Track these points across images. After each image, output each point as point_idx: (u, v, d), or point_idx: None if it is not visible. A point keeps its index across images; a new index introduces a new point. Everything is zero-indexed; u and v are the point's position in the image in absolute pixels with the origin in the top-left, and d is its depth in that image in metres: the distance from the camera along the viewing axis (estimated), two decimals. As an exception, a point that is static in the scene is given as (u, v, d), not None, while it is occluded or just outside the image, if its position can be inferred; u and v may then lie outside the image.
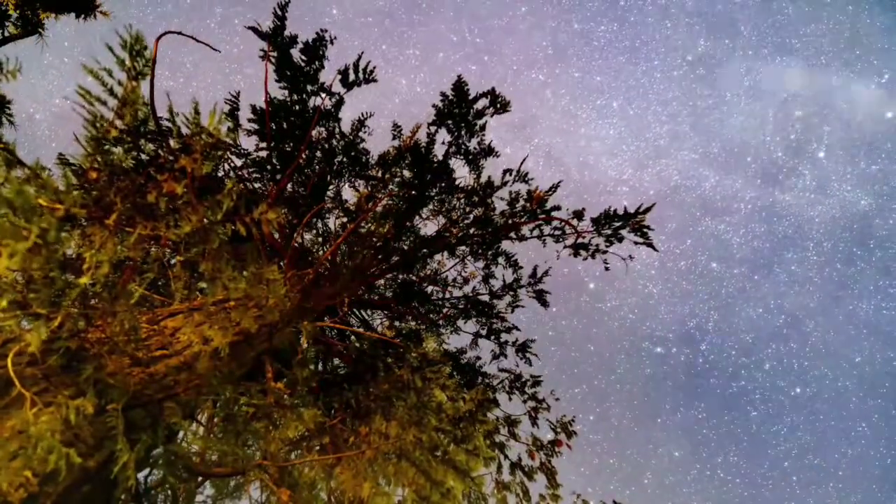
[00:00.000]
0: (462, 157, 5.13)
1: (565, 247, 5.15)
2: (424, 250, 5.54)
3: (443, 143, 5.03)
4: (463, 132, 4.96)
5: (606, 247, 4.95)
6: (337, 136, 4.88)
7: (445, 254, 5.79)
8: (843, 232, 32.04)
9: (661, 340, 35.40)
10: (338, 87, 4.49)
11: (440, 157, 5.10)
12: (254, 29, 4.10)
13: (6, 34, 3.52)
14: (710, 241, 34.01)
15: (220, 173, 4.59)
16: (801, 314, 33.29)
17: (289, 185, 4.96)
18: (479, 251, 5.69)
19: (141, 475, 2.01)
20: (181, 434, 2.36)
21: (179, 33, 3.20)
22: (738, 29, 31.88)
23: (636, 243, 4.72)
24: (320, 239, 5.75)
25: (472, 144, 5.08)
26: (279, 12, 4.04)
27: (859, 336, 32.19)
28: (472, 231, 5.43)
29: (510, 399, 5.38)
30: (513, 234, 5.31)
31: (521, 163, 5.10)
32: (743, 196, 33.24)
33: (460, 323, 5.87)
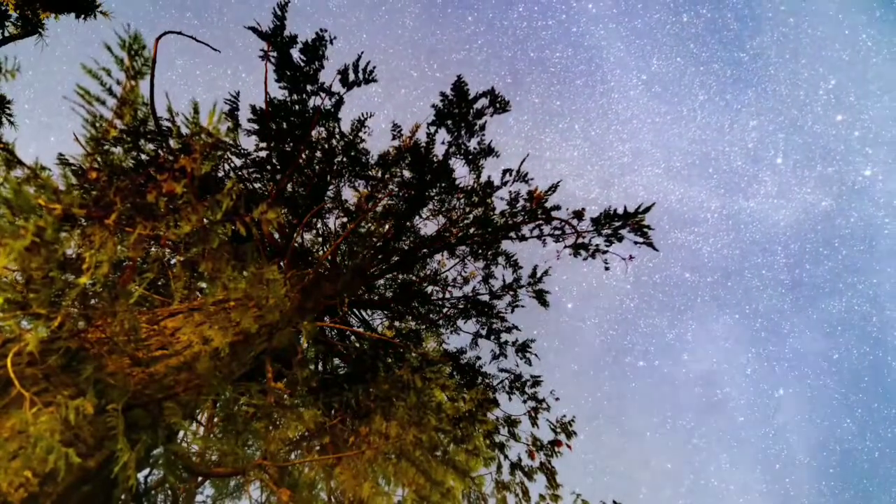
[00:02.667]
0: (462, 156, 5.13)
1: (565, 246, 5.14)
2: (424, 250, 5.54)
3: (442, 143, 5.03)
4: (463, 132, 4.96)
5: (606, 246, 4.95)
6: (337, 136, 4.88)
7: (445, 254, 5.79)
8: (809, 233, 33.12)
9: (643, 354, 36.17)
10: (338, 87, 4.49)
11: (440, 157, 5.10)
12: (254, 29, 4.10)
13: (6, 34, 3.52)
14: (682, 252, 35.04)
15: (220, 173, 4.59)
16: (775, 317, 34.14)
17: (289, 185, 4.96)
18: (479, 251, 5.69)
19: (141, 475, 2.00)
20: (181, 434, 2.36)
21: (179, 33, 3.20)
22: (687, 47, 33.40)
23: (636, 243, 4.72)
24: (320, 239, 5.75)
25: (472, 144, 5.08)
26: (279, 12, 4.04)
27: (834, 333, 32.99)
28: (472, 231, 5.43)
29: (510, 399, 5.38)
30: (513, 234, 5.31)
31: (521, 162, 5.10)
32: (708, 206, 34.38)
33: (460, 323, 5.87)
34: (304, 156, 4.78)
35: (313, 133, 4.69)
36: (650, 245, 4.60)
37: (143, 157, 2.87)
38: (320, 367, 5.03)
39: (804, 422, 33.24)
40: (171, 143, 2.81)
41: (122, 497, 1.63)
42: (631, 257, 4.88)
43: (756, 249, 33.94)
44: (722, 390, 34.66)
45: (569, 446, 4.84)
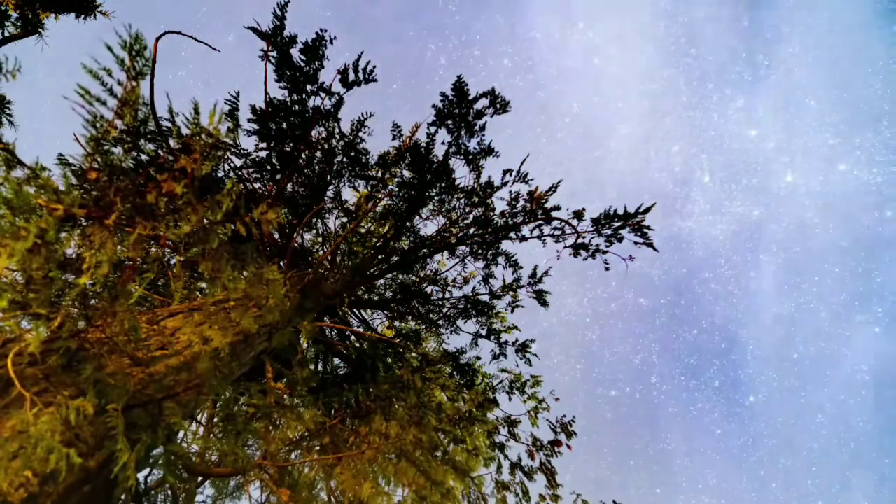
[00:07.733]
0: (462, 157, 5.13)
1: (565, 247, 5.14)
2: (424, 250, 5.54)
3: (442, 143, 5.03)
4: (463, 132, 4.96)
5: (606, 247, 4.95)
6: (337, 136, 4.88)
7: (445, 254, 5.79)
8: (747, 242, 34.71)
9: (614, 383, 37.09)
10: (337, 87, 4.49)
11: (440, 157, 5.10)
12: (254, 29, 4.09)
13: (6, 34, 3.51)
14: (633, 278, 36.61)
15: (220, 173, 4.59)
16: (732, 327, 35.32)
17: (289, 185, 4.96)
18: (479, 251, 5.69)
19: (141, 475, 2.00)
20: (181, 434, 2.36)
21: (179, 33, 3.20)
22: (601, 85, 35.86)
23: (636, 243, 4.72)
24: (320, 239, 5.75)
25: (472, 144, 5.08)
26: (279, 12, 4.04)
27: (789, 334, 34.09)
28: (472, 231, 5.43)
29: (510, 399, 5.38)
30: (513, 235, 5.31)
31: (522, 163, 5.10)
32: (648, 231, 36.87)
33: (460, 323, 5.87)
34: (304, 156, 4.78)
35: (313, 133, 4.69)
36: (650, 245, 4.61)
37: (143, 157, 2.87)
38: (320, 367, 5.03)
39: (778, 425, 34.24)
40: (172, 143, 2.81)
41: (122, 497, 1.63)
42: (632, 258, 4.89)
43: (702, 265, 35.79)
44: (695, 406, 35.75)
45: (569, 446, 4.85)
